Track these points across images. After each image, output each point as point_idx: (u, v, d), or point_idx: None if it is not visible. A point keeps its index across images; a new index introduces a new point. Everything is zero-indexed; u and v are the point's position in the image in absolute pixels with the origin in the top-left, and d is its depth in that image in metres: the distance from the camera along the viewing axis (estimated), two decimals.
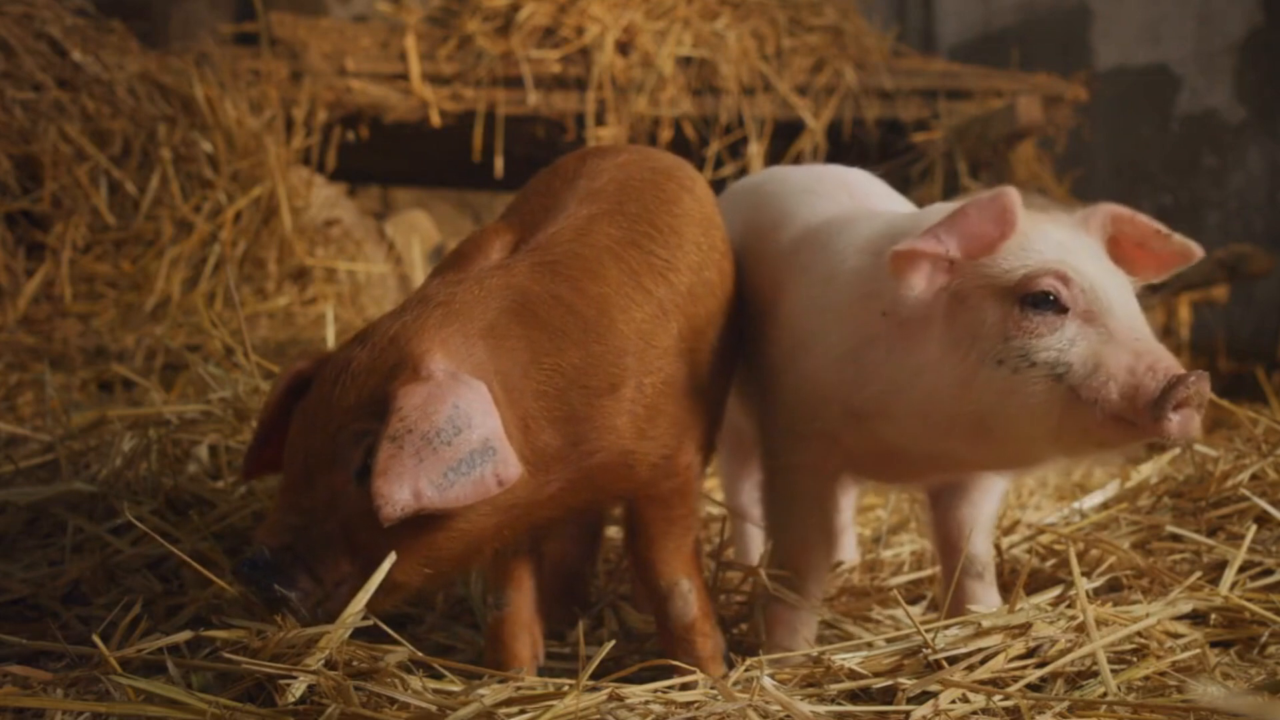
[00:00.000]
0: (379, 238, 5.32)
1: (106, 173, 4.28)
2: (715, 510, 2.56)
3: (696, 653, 1.84)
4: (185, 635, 1.65)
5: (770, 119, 5.25)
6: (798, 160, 5.17)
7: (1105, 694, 1.58)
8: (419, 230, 5.63)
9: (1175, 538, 2.17)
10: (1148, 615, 1.75)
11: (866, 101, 5.37)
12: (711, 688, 1.62)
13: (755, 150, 5.20)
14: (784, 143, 5.29)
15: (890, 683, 1.62)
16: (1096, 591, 1.98)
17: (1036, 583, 2.14)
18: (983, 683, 1.60)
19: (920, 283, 1.73)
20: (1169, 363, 1.62)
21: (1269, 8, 6.31)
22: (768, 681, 1.58)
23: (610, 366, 1.72)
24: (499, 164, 5.16)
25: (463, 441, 1.53)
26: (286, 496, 1.62)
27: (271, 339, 4.02)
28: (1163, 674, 1.66)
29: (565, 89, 5.19)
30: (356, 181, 6.51)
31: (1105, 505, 2.46)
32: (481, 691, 1.59)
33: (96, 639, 1.60)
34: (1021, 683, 1.61)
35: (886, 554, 2.59)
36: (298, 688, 1.51)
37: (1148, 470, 2.49)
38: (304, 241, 4.61)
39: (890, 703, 1.59)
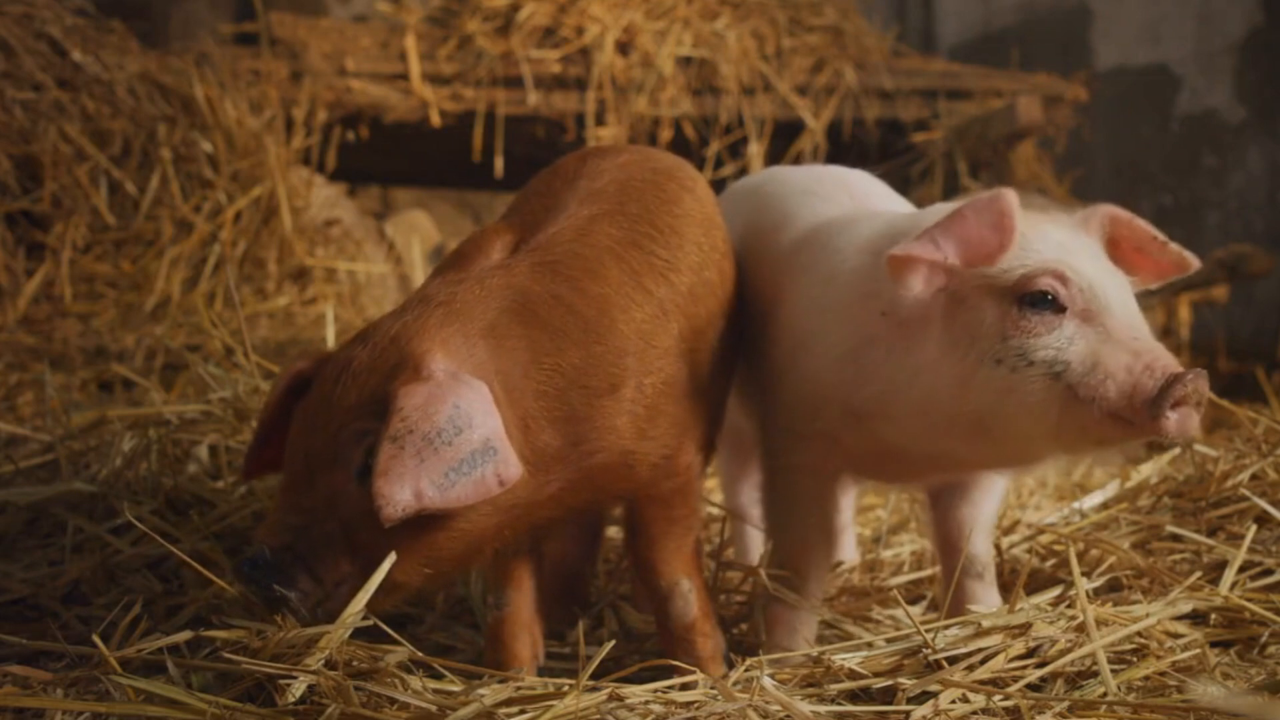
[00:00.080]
0: (379, 238, 5.32)
1: (106, 173, 4.28)
2: (715, 510, 2.56)
3: (697, 653, 1.84)
4: (185, 635, 1.65)
5: (770, 119, 5.24)
6: (798, 160, 5.17)
7: (1105, 694, 1.58)
8: (419, 230, 5.63)
9: (1175, 538, 2.17)
10: (1148, 615, 1.75)
11: (866, 101, 5.37)
12: (711, 688, 1.62)
13: (755, 150, 5.20)
14: (784, 143, 5.28)
15: (890, 683, 1.62)
16: (1096, 591, 1.98)
17: (1036, 583, 2.14)
18: (983, 683, 1.60)
19: (918, 284, 1.73)
20: (1167, 361, 1.62)
21: (1269, 8, 6.31)
22: (768, 681, 1.58)
23: (610, 367, 1.72)
24: (499, 164, 5.15)
25: (464, 441, 1.53)
26: (287, 496, 1.62)
27: (271, 339, 4.02)
28: (1163, 674, 1.66)
29: (565, 89, 5.19)
30: (356, 181, 6.51)
31: (1105, 505, 2.46)
32: (481, 691, 1.59)
33: (96, 639, 1.60)
34: (1021, 683, 1.61)
35: (886, 554, 2.59)
36: (298, 688, 1.51)
37: (1148, 470, 2.49)
38: (304, 241, 4.61)
39: (890, 703, 1.59)
